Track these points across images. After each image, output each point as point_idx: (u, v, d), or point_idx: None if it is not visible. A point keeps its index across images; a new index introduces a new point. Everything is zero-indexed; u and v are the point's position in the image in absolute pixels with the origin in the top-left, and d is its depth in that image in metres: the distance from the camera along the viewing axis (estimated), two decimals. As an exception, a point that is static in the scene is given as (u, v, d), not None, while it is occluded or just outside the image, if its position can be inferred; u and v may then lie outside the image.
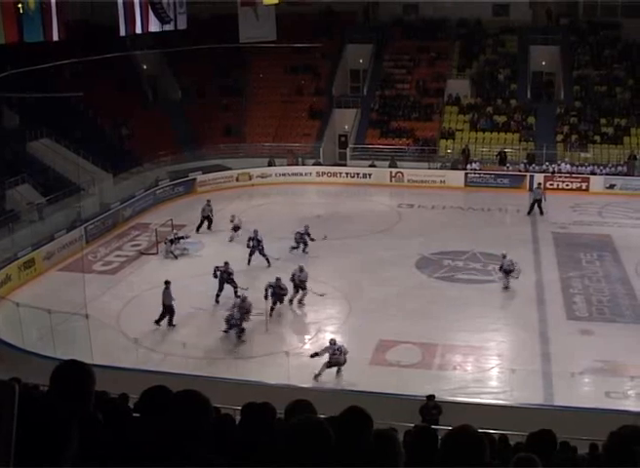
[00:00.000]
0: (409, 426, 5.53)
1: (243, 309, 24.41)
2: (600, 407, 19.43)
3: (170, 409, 3.73)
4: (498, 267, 28.91)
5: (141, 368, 21.68)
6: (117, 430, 3.98)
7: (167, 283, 25.99)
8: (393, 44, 53.91)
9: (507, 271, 28.40)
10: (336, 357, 21.97)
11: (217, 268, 27.84)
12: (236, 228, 34.48)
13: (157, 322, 25.63)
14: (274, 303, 26.22)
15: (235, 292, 27.48)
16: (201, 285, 28.71)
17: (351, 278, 29.37)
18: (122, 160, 43.01)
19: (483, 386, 21.96)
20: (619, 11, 52.24)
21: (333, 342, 22.15)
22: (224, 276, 27.79)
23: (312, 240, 32.33)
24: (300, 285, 27.08)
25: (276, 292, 26.06)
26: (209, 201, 37.45)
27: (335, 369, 22.10)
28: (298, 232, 32.28)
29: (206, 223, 36.67)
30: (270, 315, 25.83)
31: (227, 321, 24.47)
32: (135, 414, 4.74)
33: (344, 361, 22.03)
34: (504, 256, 28.77)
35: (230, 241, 34.21)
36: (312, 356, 22.29)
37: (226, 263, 27.99)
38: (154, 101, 50.56)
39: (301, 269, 27.14)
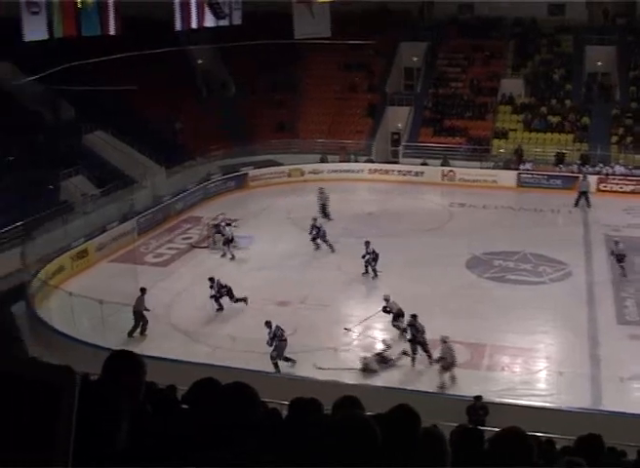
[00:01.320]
0: (455, 426, 5.53)
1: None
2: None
3: (218, 400, 3.76)
4: (610, 254, 30.20)
5: (190, 360, 21.85)
6: (165, 421, 4.03)
7: (142, 290, 25.26)
8: (448, 42, 53.65)
9: (620, 256, 29.52)
10: (449, 352, 21.74)
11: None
12: (228, 241, 32.62)
13: (131, 334, 24.80)
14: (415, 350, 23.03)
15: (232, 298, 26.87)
16: (253, 279, 29.01)
17: (400, 275, 29.29)
18: (175, 154, 43.37)
19: (530, 388, 21.81)
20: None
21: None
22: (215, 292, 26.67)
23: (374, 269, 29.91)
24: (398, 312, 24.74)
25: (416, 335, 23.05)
26: (322, 188, 37.94)
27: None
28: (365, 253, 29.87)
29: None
30: (413, 365, 23.10)
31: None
32: (183, 406, 4.80)
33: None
34: (617, 243, 30.00)
35: (223, 256, 32.55)
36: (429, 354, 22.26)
37: (211, 279, 26.67)
38: (208, 96, 50.87)
39: (387, 298, 24.82)
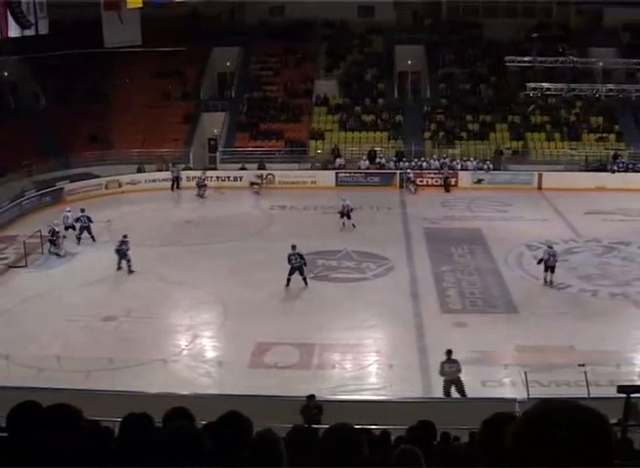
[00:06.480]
0: (290, 427, 5.49)
1: None
2: (477, 396, 19.80)
3: (40, 423, 3.60)
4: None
5: (12, 384, 20.98)
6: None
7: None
8: (260, 46, 53.91)
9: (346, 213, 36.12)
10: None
11: None
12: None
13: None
14: None
15: None
16: (76, 296, 28.22)
17: (226, 282, 29.20)
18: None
19: (362, 383, 22.09)
20: (480, 11, 53.66)
21: None
22: None
23: None
24: None
25: None
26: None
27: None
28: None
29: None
30: None
31: None
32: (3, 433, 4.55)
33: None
34: (345, 200, 36.06)
35: None
36: None
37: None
38: (16, 109, 49.21)
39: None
